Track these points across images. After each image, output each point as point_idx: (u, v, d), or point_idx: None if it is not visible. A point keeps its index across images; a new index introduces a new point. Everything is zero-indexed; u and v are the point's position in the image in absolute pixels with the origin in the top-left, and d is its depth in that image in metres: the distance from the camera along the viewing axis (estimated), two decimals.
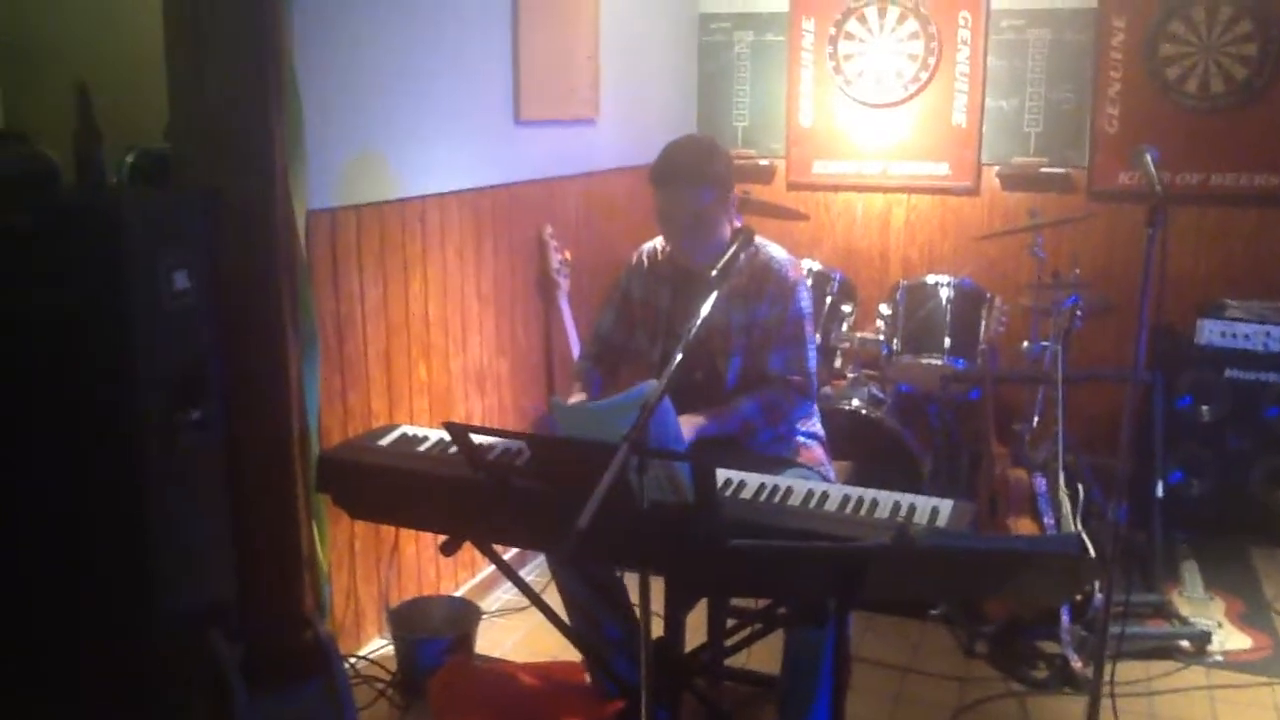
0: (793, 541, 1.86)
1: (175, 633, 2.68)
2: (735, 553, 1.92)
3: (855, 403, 3.96)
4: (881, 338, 4.10)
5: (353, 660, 3.16)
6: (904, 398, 4.15)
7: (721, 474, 2.53)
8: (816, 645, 2.64)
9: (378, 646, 3.27)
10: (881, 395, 4.12)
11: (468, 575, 3.71)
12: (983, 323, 3.98)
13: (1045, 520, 3.52)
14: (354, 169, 3.11)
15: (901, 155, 5.03)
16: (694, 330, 2.38)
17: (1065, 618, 3.42)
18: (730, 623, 2.87)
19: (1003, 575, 1.92)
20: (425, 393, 3.48)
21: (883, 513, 2.35)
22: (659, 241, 2.98)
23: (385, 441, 2.71)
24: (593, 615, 2.78)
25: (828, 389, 4.13)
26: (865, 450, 3.88)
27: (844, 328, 4.17)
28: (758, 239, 2.88)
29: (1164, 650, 3.56)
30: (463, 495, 2.49)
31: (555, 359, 4.16)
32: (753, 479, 2.51)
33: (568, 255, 4.10)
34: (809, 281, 4.21)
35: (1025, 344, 4.00)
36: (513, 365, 3.95)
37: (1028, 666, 3.46)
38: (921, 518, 2.33)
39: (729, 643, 2.74)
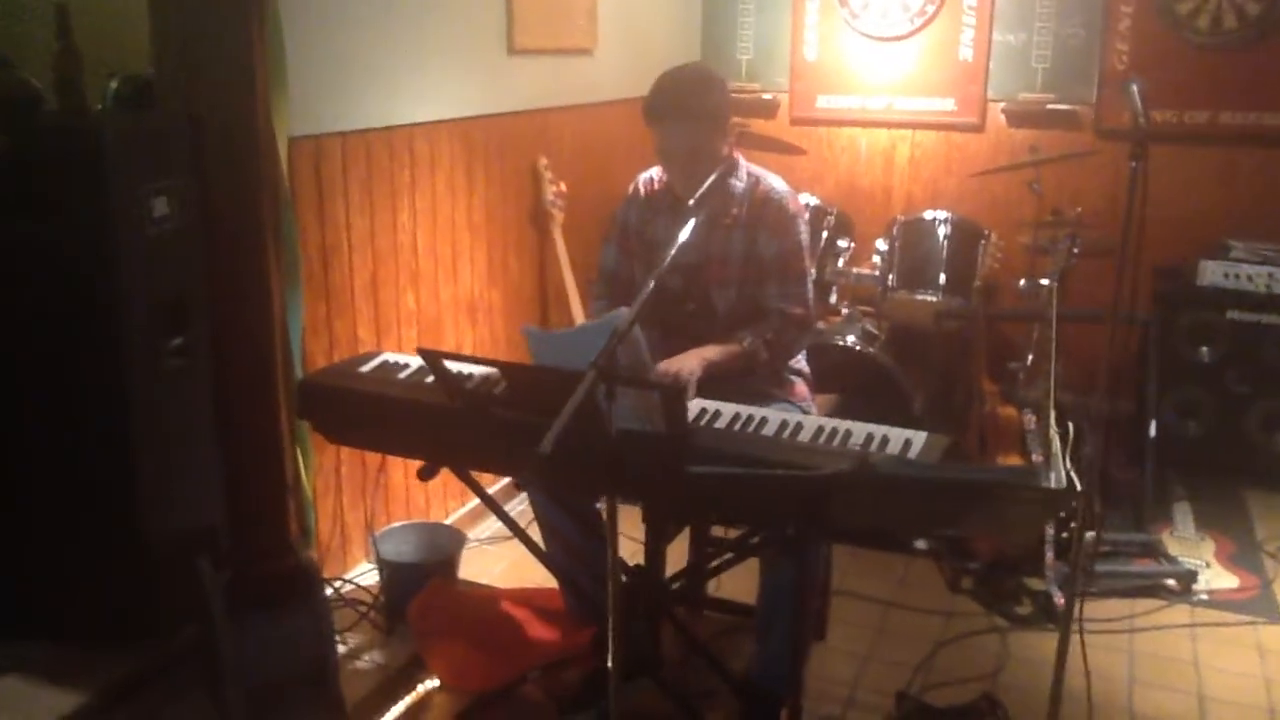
0: (751, 468, 1.86)
1: (161, 557, 2.72)
2: (699, 480, 1.92)
3: (849, 339, 3.94)
4: (877, 273, 4.07)
5: (338, 584, 3.21)
6: (899, 334, 4.13)
7: (698, 403, 2.54)
8: (791, 576, 2.65)
9: (363, 571, 3.31)
10: (876, 332, 4.10)
11: (457, 504, 3.74)
12: (979, 260, 3.94)
13: (1034, 458, 3.51)
14: (340, 96, 3.09)
15: (907, 90, 4.95)
16: (669, 259, 2.37)
17: (1050, 554, 3.43)
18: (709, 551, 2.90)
19: (965, 506, 1.92)
20: (414, 321, 3.49)
21: (854, 443, 2.35)
22: (656, 171, 2.95)
23: (366, 368, 2.73)
24: (570, 544, 2.80)
25: (822, 324, 4.11)
26: (858, 386, 3.87)
27: (840, 263, 4.14)
28: (758, 170, 2.86)
29: (1149, 589, 3.57)
30: (439, 422, 2.50)
31: (549, 290, 4.15)
32: (728, 409, 2.51)
33: (563, 187, 4.07)
34: (806, 216, 4.23)
35: (1022, 281, 3.96)
36: (505, 296, 3.94)
37: (1012, 602, 3.47)
38: (893, 449, 2.33)
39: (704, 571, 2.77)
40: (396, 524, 3.30)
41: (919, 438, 2.38)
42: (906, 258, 4.04)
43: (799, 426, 2.42)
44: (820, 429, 2.41)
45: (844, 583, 3.55)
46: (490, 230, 3.83)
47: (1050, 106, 4.74)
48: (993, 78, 4.83)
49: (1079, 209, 3.92)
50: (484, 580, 3.38)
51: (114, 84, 3.03)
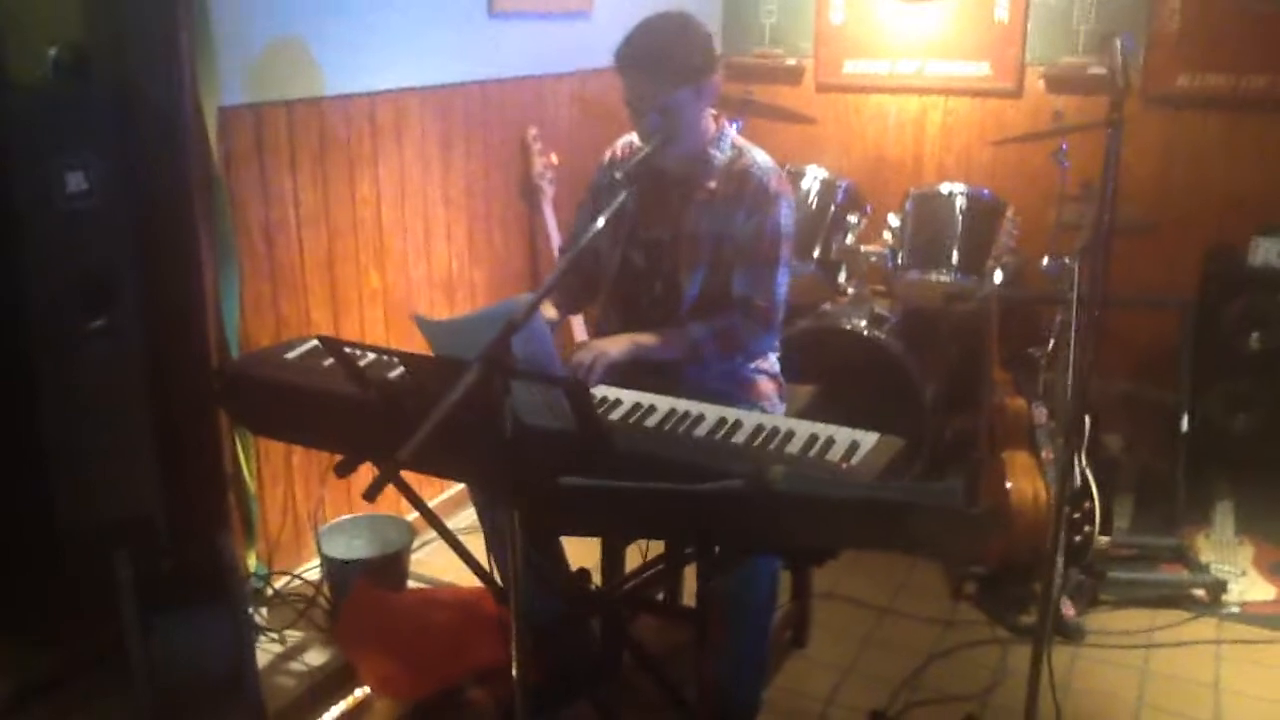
0: (628, 483, 1.63)
1: (81, 548, 2.58)
2: (574, 492, 1.70)
3: (855, 322, 3.67)
4: (887, 251, 3.77)
5: (288, 579, 3.05)
6: (911, 317, 3.84)
7: (632, 398, 2.32)
8: (741, 585, 2.42)
9: (315, 566, 3.15)
10: (886, 314, 3.81)
11: (429, 496, 3.56)
12: (996, 237, 3.62)
13: (1042, 453, 3.21)
14: (283, 62, 2.91)
15: (938, 54, 4.61)
16: (585, 238, 2.15)
17: (1060, 558, 3.13)
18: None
19: (879, 526, 1.67)
20: (379, 301, 3.30)
21: (794, 446, 2.11)
22: (635, 136, 2.70)
23: (293, 354, 2.55)
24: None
25: (828, 305, 3.84)
26: (861, 375, 3.61)
27: (849, 239, 3.85)
28: (743, 143, 2.60)
29: (1172, 599, 3.26)
30: (353, 414, 2.32)
31: (540, 267, 3.94)
32: (665, 404, 2.28)
33: (553, 159, 3.85)
34: (815, 189, 3.94)
35: (1045, 260, 3.64)
36: (490, 273, 3.74)
37: (1017, 611, 3.19)
38: (835, 454, 2.08)
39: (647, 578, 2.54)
40: (345, 517, 3.13)
41: (868, 440, 2.12)
42: (919, 234, 3.74)
43: (736, 426, 2.18)
44: (760, 429, 2.17)
45: (835, 585, 3.30)
46: (471, 204, 3.63)
47: (1093, 71, 4.37)
48: (1031, 40, 4.46)
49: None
50: (445, 578, 3.20)
51: (53, 52, 2.89)
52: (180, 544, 2.65)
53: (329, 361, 2.43)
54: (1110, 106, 2.09)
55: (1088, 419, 3.29)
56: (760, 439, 2.14)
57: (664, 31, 2.46)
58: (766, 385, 2.63)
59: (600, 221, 2.08)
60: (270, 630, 2.88)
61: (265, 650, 2.82)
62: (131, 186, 2.60)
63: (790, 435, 2.15)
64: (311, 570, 3.11)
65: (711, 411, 2.24)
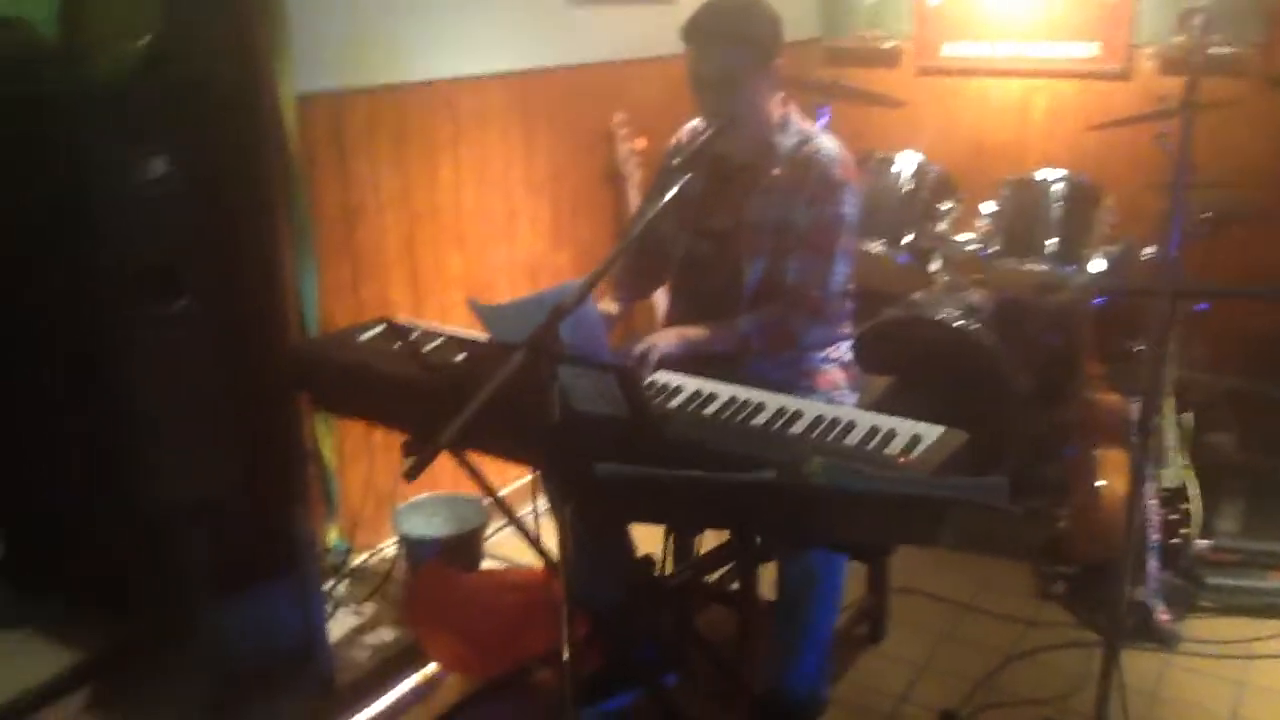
0: (660, 470, 1.60)
1: (158, 525, 2.65)
2: (612, 479, 1.68)
3: (946, 312, 3.55)
4: (978, 238, 3.65)
5: (368, 554, 3.11)
6: (1004, 307, 3.71)
7: (694, 384, 2.29)
8: (801, 575, 2.37)
9: (394, 542, 3.19)
10: (978, 304, 3.69)
11: (516, 476, 3.57)
12: (1094, 225, 3.48)
13: (1134, 451, 3.06)
14: (364, 49, 2.94)
15: (1043, 34, 4.44)
16: (638, 226, 2.13)
17: (1153, 561, 3.00)
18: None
19: (921, 521, 1.61)
20: (460, 284, 3.33)
21: (853, 438, 2.06)
22: (699, 121, 2.67)
23: (365, 336, 2.60)
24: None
25: (918, 294, 3.74)
26: (951, 366, 3.51)
27: (941, 227, 3.74)
28: (810, 129, 2.54)
29: (1273, 607, 3.09)
30: (418, 396, 2.34)
31: None
32: (726, 392, 2.26)
33: (640, 145, 3.83)
34: (907, 175, 3.84)
35: (1147, 250, 3.48)
36: (574, 258, 3.74)
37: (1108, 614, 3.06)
38: (894, 447, 2.02)
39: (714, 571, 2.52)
40: (424, 495, 3.17)
41: (930, 434, 2.07)
42: (1013, 222, 3.61)
43: (795, 416, 2.14)
44: (819, 420, 2.13)
45: (915, 579, 3.21)
46: (555, 189, 3.63)
47: (1209, 50, 4.15)
48: (1142, 19, 4.27)
49: (1225, 168, 3.42)
50: (524, 561, 3.21)
51: (141, 43, 2.98)
52: (255, 520, 2.71)
53: (399, 344, 2.45)
54: (1186, 87, 1.96)
55: (1190, 416, 3.14)
56: (819, 430, 2.09)
57: (732, 5, 2.44)
58: (835, 374, 2.57)
59: (651, 210, 2.06)
60: (347, 604, 2.93)
61: (340, 623, 2.88)
62: (210, 172, 2.66)
63: (851, 427, 2.10)
64: (391, 547, 3.16)
65: (773, 401, 2.21)
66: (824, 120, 3.89)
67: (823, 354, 2.56)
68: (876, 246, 3.73)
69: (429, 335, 2.48)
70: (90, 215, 2.53)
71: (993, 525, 1.55)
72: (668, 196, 2.15)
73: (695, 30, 2.40)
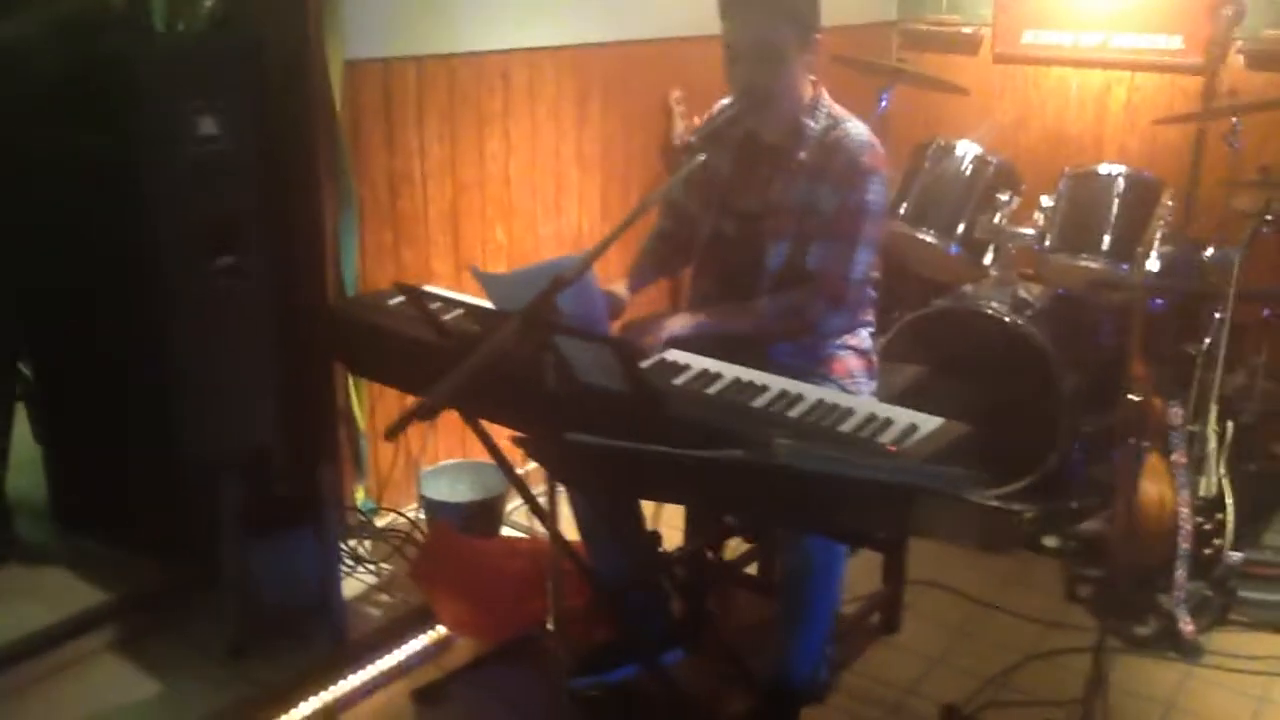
0: (627, 444, 1.62)
1: (200, 474, 2.75)
2: (584, 448, 1.70)
3: (996, 305, 3.49)
4: (1034, 232, 3.57)
5: (394, 515, 3.18)
6: (1058, 303, 3.63)
7: (702, 364, 2.30)
8: (800, 561, 2.37)
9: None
10: (1030, 299, 3.62)
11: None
12: (1151, 222, 3.37)
13: (1173, 456, 2.99)
14: (415, 18, 3.00)
15: (1126, 25, 4.31)
16: (648, 201, 2.15)
17: (1180, 570, 2.92)
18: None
19: (888, 508, 1.61)
20: (504, 256, 3.39)
21: (848, 424, 2.06)
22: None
23: (395, 300, 2.66)
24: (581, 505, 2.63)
25: (969, 286, 3.68)
26: (999, 361, 3.45)
27: (998, 218, 3.67)
28: (841, 113, 2.52)
29: None
30: (434, 361, 2.38)
31: None
32: (732, 373, 2.26)
33: (698, 123, 3.82)
34: (964, 165, 3.75)
35: (1209, 251, 3.38)
36: (626, 234, 3.75)
37: (1134, 620, 2.99)
38: (890, 435, 2.01)
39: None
40: (450, 461, 3.24)
41: (929, 425, 2.05)
42: (1070, 216, 3.52)
43: (796, 400, 2.14)
44: (819, 405, 2.12)
45: (937, 573, 3.17)
46: (607, 165, 3.66)
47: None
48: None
49: None
50: (542, 530, 3.25)
51: (208, 3, 3.08)
52: (284, 473, 2.80)
53: (417, 311, 2.50)
54: (1203, 91, 1.90)
55: (1230, 425, 3.05)
56: (814, 414, 2.09)
57: None
58: (852, 362, 2.55)
59: (660, 190, 2.07)
60: (370, 562, 3.02)
61: (360, 580, 2.97)
62: (259, 133, 2.75)
63: (849, 413, 2.09)
64: (416, 509, 3.24)
65: (776, 384, 2.21)
66: (884, 103, 3.84)
67: (840, 341, 2.55)
68: (929, 236, 3.68)
69: (451, 304, 2.53)
70: (145, 172, 2.64)
71: (956, 515, 1.53)
72: (676, 176, 2.17)
73: (733, 1, 2.39)
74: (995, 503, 1.46)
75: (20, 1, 2.78)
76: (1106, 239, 3.43)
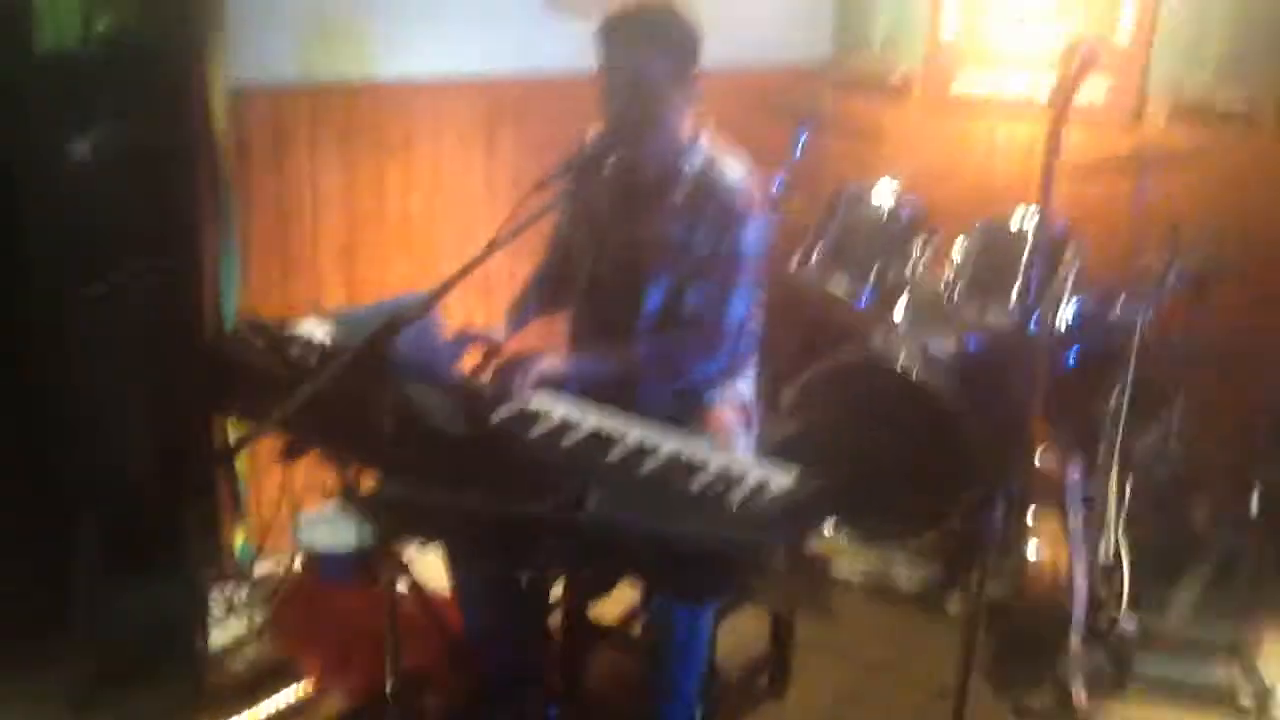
0: (442, 499, 1.55)
1: (56, 505, 2.64)
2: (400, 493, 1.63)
3: (900, 358, 3.42)
4: (944, 284, 3.52)
5: (274, 564, 3.07)
6: (971, 357, 3.57)
7: (564, 411, 2.22)
8: (666, 615, 2.29)
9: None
10: (937, 352, 3.55)
11: None
12: (1056, 275, 3.33)
13: (1070, 518, 2.92)
14: (311, 43, 2.93)
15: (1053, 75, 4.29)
16: (499, 241, 2.08)
17: (1075, 638, 2.85)
18: None
19: (694, 568, 1.53)
20: (405, 290, 3.29)
21: (703, 479, 1.97)
22: None
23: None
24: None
25: (877, 338, 3.61)
26: (903, 415, 3.39)
27: (908, 269, 3.62)
28: (719, 153, 2.45)
29: (1211, 700, 2.92)
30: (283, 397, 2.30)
31: None
32: (591, 421, 2.18)
33: None
34: (877, 211, 3.69)
35: (1117, 307, 3.34)
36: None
37: (1025, 690, 2.91)
38: (739, 492, 1.93)
39: None
40: (331, 504, 3.13)
41: (780, 480, 1.97)
42: (980, 267, 3.47)
43: (647, 452, 2.06)
44: (672, 457, 2.04)
45: (830, 633, 3.09)
46: (518, 198, 3.57)
47: (1225, 104, 3.97)
48: (1155, 65, 4.10)
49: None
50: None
51: (100, 25, 2.99)
52: (149, 512, 2.70)
53: (263, 343, 2.39)
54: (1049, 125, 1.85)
55: (1128, 486, 3.00)
56: (665, 469, 2.01)
57: (651, 6, 2.35)
58: (725, 415, 2.46)
59: (516, 227, 2.01)
60: (242, 611, 2.90)
61: (227, 630, 2.84)
62: (136, 157, 2.66)
63: (701, 468, 2.01)
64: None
65: (635, 435, 2.13)
66: (799, 146, 3.80)
67: (715, 391, 2.47)
68: (839, 283, 3.62)
69: (302, 340, 2.42)
70: (18, 193, 2.55)
71: (760, 578, 1.46)
72: (530, 215, 2.11)
73: (609, 29, 2.32)
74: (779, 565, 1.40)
75: None
76: (1014, 292, 3.38)
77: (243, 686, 2.67)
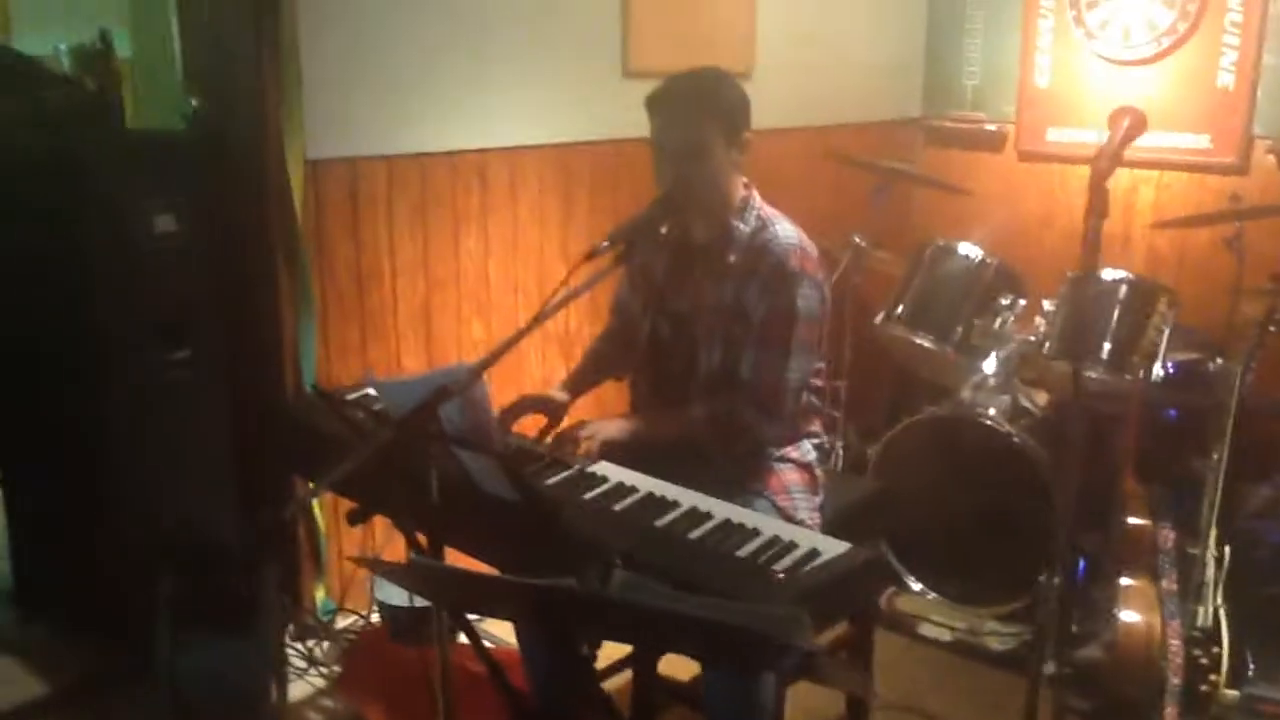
0: (467, 570, 1.55)
1: (141, 563, 2.75)
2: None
3: (990, 413, 3.35)
4: (1034, 337, 3.43)
5: (353, 620, 3.13)
6: (1059, 412, 3.46)
7: (620, 477, 2.23)
8: (720, 677, 2.25)
9: None
10: (1030, 406, 3.46)
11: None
12: (1147, 330, 3.20)
13: (1163, 583, 2.79)
14: (385, 119, 3.02)
15: (1152, 124, 4.14)
16: (546, 310, 2.09)
17: (1171, 707, 2.70)
18: None
19: (720, 646, 1.50)
20: (482, 352, 3.34)
21: (748, 549, 1.95)
22: None
23: (351, 396, 2.64)
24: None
25: (965, 392, 3.53)
26: (992, 471, 3.30)
27: (998, 323, 3.53)
28: (771, 214, 2.45)
29: None
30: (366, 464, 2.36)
31: None
32: (646, 487, 2.18)
33: None
34: (962, 267, 3.63)
35: (1217, 361, 3.19)
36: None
37: None
38: (786, 561, 1.90)
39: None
40: (410, 559, 3.17)
41: (831, 550, 1.93)
42: (1070, 321, 3.36)
43: (703, 518, 2.05)
44: (727, 524, 2.02)
45: (913, 695, 3.00)
46: (595, 263, 3.61)
47: None
48: (1260, 109, 3.95)
49: None
50: (509, 639, 3.16)
51: (195, 103, 3.16)
52: (232, 571, 2.78)
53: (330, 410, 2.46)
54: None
55: (1227, 550, 2.84)
56: (715, 536, 1.99)
57: (700, 75, 2.41)
58: (790, 475, 2.43)
59: (562, 295, 2.03)
60: (322, 664, 2.96)
61: (308, 683, 2.90)
62: (217, 230, 2.79)
63: (752, 535, 1.99)
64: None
65: (689, 500, 2.12)
66: (879, 200, 3.76)
67: (780, 452, 2.44)
68: (925, 340, 3.55)
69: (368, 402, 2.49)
70: (102, 264, 2.69)
71: (781, 656, 1.42)
72: (581, 285, 2.13)
73: (658, 98, 2.36)
74: (810, 647, 1.35)
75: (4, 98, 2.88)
76: (1106, 346, 3.26)
77: None
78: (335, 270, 2.99)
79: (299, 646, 2.98)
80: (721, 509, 2.09)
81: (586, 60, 3.48)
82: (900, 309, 3.62)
